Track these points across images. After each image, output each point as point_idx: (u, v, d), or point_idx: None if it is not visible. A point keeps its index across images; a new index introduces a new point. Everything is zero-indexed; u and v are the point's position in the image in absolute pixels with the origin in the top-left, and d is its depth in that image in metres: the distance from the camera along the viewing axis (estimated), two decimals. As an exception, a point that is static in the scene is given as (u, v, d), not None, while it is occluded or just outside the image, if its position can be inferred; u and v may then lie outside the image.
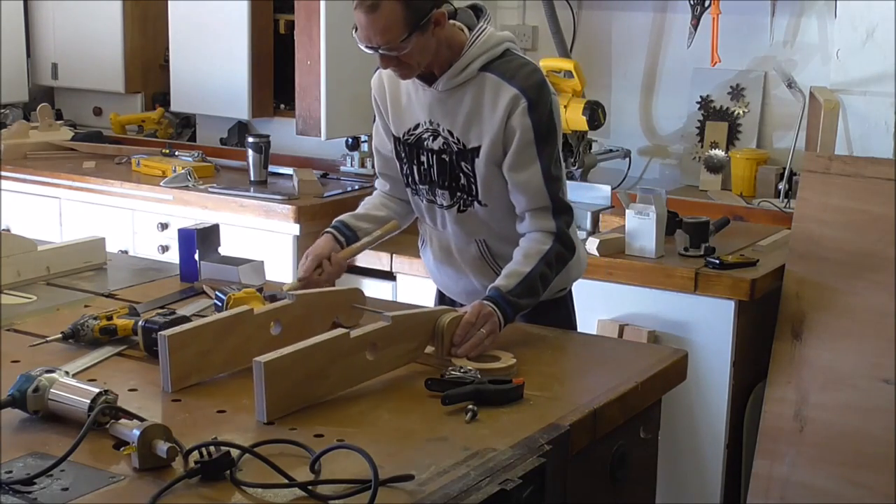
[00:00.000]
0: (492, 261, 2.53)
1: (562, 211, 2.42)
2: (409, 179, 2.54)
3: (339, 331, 1.99)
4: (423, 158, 2.47)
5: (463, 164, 2.42)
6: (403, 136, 2.50)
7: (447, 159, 2.44)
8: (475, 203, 2.46)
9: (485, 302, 2.25)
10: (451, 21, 2.38)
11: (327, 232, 2.53)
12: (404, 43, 2.25)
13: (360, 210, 2.62)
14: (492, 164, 2.40)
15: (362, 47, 2.30)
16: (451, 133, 2.42)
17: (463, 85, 2.38)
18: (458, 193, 2.47)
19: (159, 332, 2.00)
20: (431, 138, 2.45)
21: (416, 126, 2.47)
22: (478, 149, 2.39)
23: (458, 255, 2.56)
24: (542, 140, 2.36)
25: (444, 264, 2.61)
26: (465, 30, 2.39)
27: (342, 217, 2.58)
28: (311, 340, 1.94)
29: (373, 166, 4.25)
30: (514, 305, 2.28)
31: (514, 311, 2.29)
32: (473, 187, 2.44)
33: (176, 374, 1.97)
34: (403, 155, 2.52)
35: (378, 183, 2.70)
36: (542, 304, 2.46)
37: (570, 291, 2.67)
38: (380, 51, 2.28)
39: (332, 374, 1.95)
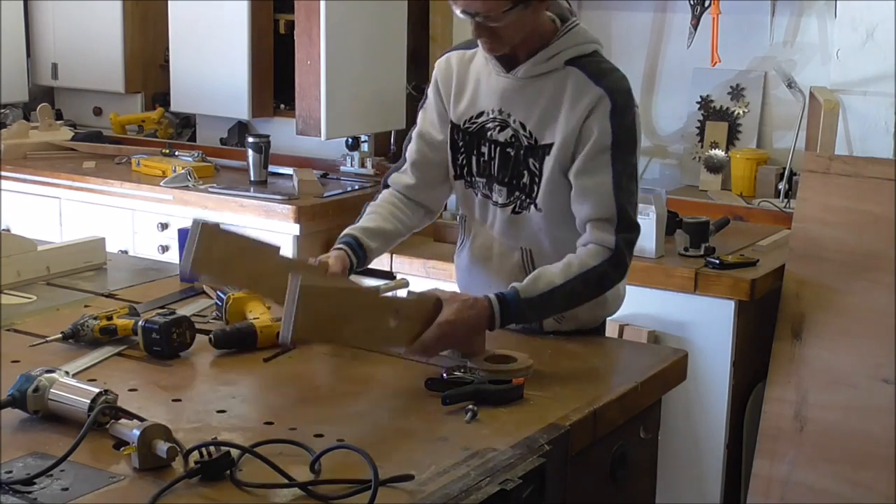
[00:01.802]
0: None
1: (626, 228, 2.22)
2: (465, 171, 2.37)
3: (373, 284, 2.03)
4: (484, 149, 2.33)
5: (531, 160, 2.27)
6: (464, 123, 2.35)
7: (512, 153, 2.29)
8: (532, 206, 2.31)
9: (491, 299, 2.14)
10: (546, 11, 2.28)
11: (340, 248, 2.32)
12: (505, 14, 2.14)
13: (369, 223, 2.39)
14: (558, 166, 2.25)
15: (457, 12, 2.17)
16: (522, 126, 2.27)
17: (545, 75, 2.25)
18: (517, 192, 2.32)
19: (194, 219, 2.10)
20: (498, 129, 2.30)
21: (481, 114, 2.33)
22: (550, 146, 2.25)
23: (498, 260, 2.39)
24: (619, 148, 2.21)
25: (480, 268, 2.44)
26: (557, 21, 2.29)
27: (354, 233, 2.36)
28: (347, 283, 1.99)
29: (373, 166, 4.28)
30: (521, 313, 2.17)
31: (519, 318, 2.18)
32: (535, 188, 2.28)
33: (197, 257, 2.04)
34: (461, 144, 2.36)
35: (396, 178, 2.47)
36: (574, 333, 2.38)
37: (605, 323, 2.50)
38: (476, 18, 2.16)
39: (357, 323, 1.95)
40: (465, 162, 2.38)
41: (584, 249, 2.24)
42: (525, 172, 2.29)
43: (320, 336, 1.92)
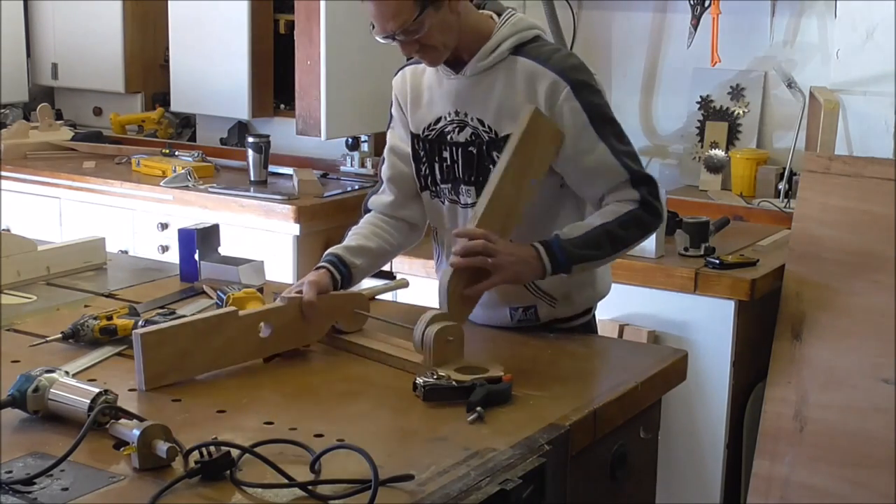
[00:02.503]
0: None
1: (642, 181, 2.25)
2: (429, 181, 2.39)
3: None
4: (446, 154, 2.35)
5: (494, 153, 2.28)
6: (423, 132, 2.38)
7: (475, 151, 2.31)
8: None
9: (535, 244, 2.19)
10: (482, 11, 2.31)
11: (322, 267, 2.32)
12: (418, 22, 2.16)
13: (351, 242, 2.41)
14: None
15: (380, 39, 2.21)
16: (481, 122, 2.30)
17: (493, 69, 2.28)
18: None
19: (133, 331, 2.02)
20: (457, 130, 2.33)
21: (438, 120, 2.35)
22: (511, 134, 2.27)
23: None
24: (597, 119, 2.24)
25: None
26: (495, 17, 2.32)
27: (336, 251, 2.37)
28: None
29: (373, 166, 4.28)
30: (567, 252, 2.18)
31: (568, 258, 2.19)
32: None
33: (150, 374, 1.98)
34: (423, 154, 2.38)
35: (375, 200, 2.50)
36: (568, 329, 2.41)
37: (594, 316, 2.53)
38: (396, 37, 2.19)
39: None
40: (427, 172, 2.40)
41: (611, 205, 2.27)
42: (490, 167, 2.30)
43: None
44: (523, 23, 2.31)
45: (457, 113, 2.33)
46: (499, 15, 2.32)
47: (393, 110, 2.48)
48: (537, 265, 2.20)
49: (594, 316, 2.54)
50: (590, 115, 2.24)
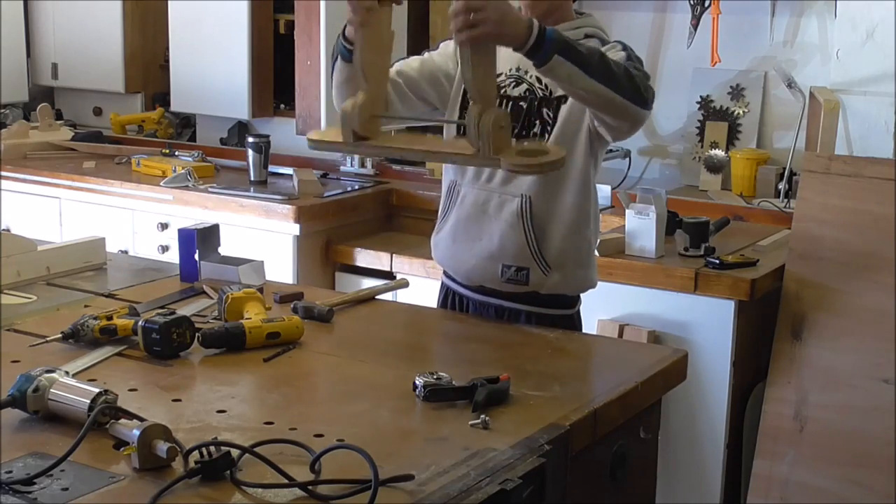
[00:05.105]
0: (528, 221, 2.44)
1: (639, 72, 2.33)
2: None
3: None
4: None
5: (545, 110, 2.46)
6: None
7: (525, 106, 2.47)
8: None
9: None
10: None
11: None
12: None
13: None
14: (577, 111, 2.42)
15: None
16: (538, 79, 2.46)
17: None
18: (526, 143, 2.43)
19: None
20: (513, 85, 2.49)
21: (498, 75, 2.42)
22: (565, 96, 2.42)
23: (494, 210, 2.48)
24: (629, 58, 2.36)
25: (471, 224, 2.51)
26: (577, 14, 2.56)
27: None
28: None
29: (373, 166, 4.28)
30: (556, 35, 2.15)
31: (555, 41, 2.15)
32: (547, 135, 2.45)
33: None
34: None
35: None
36: (550, 317, 2.45)
37: (579, 311, 2.60)
38: None
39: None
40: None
41: None
42: (537, 122, 2.46)
43: None
44: (601, 24, 2.57)
45: (517, 70, 2.50)
46: (579, 15, 2.59)
47: (436, 55, 2.56)
48: (524, 27, 2.14)
49: (579, 311, 2.58)
50: (627, 55, 2.37)
